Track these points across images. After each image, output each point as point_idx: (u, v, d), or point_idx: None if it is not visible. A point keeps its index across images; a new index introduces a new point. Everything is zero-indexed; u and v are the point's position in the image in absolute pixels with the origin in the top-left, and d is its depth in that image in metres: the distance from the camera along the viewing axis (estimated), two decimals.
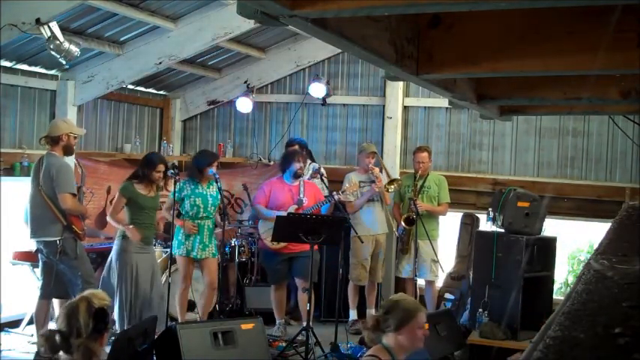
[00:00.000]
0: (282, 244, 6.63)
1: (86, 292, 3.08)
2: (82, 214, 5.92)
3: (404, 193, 7.22)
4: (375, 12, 2.12)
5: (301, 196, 6.77)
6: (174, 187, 6.15)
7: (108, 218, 6.19)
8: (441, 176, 7.40)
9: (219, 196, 6.54)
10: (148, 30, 6.98)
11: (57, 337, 2.88)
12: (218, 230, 6.80)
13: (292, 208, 6.65)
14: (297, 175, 6.78)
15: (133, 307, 5.94)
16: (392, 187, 7.08)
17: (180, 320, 6.39)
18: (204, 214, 6.51)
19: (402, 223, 7.15)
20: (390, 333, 3.12)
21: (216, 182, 6.42)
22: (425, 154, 7.15)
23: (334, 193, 6.76)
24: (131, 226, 5.97)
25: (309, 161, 7.53)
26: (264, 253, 7.09)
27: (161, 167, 6.17)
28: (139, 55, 7.12)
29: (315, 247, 6.48)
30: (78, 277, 5.74)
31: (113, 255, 6.10)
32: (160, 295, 6.11)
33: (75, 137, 5.95)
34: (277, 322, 6.85)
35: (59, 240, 5.67)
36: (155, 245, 6.66)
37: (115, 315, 5.95)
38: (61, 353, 2.90)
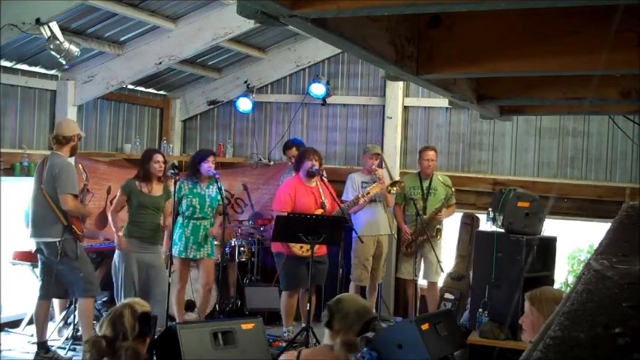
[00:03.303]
0: (307, 249, 6.28)
1: (128, 300, 3.30)
2: (84, 215, 5.91)
3: (409, 195, 7.13)
4: (375, 12, 2.12)
5: (322, 198, 6.54)
6: (175, 187, 6.15)
7: (108, 214, 6.20)
8: (445, 176, 7.35)
9: (218, 197, 6.50)
10: (148, 30, 6.98)
11: (103, 343, 3.01)
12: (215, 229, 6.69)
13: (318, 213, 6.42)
14: (309, 174, 6.48)
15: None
16: (394, 189, 6.96)
17: (178, 320, 6.39)
18: (201, 215, 6.48)
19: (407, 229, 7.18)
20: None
21: (217, 182, 6.41)
22: (433, 153, 7.15)
23: (359, 195, 6.65)
24: (120, 234, 6.03)
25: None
26: (287, 258, 6.52)
27: (158, 157, 6.17)
28: (139, 55, 7.12)
29: (324, 251, 6.51)
30: (79, 278, 5.72)
31: (115, 255, 6.13)
32: (161, 294, 6.09)
33: (79, 138, 5.99)
34: (285, 328, 6.66)
35: (59, 241, 5.65)
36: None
37: None
38: (105, 359, 3.04)
